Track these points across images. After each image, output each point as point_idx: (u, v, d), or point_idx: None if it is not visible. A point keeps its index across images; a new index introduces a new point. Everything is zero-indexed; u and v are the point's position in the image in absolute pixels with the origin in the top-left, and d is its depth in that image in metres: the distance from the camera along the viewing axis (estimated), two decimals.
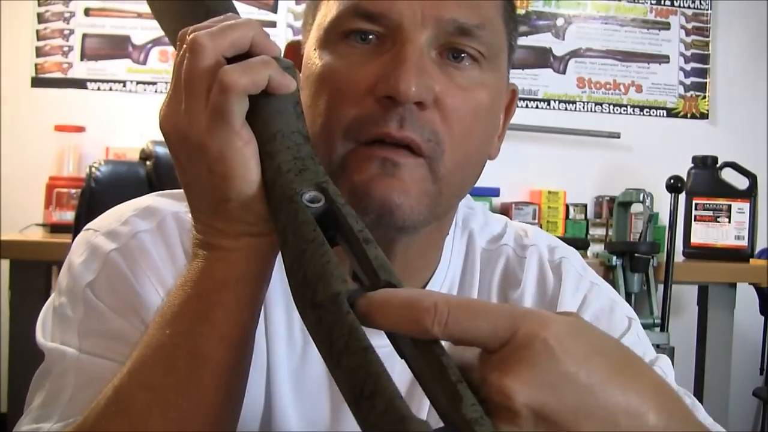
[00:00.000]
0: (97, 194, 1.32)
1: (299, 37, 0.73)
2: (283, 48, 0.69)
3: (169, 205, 0.72)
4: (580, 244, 2.56)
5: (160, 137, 0.57)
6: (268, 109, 0.55)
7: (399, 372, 0.43)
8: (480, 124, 0.66)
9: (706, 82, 3.00)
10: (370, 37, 0.64)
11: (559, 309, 0.73)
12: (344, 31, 0.64)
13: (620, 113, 2.94)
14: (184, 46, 0.54)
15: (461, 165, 0.65)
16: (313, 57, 0.66)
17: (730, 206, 2.51)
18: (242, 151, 0.53)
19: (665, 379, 0.45)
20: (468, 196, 0.76)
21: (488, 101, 0.66)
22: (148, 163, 1.43)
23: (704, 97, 2.99)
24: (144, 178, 1.40)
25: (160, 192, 0.76)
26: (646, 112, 2.96)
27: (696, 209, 2.52)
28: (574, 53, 2.92)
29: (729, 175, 2.54)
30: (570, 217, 2.72)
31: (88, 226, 0.74)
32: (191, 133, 0.53)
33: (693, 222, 2.52)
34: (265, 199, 0.54)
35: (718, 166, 2.53)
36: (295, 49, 0.72)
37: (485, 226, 0.81)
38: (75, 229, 1.31)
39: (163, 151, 1.40)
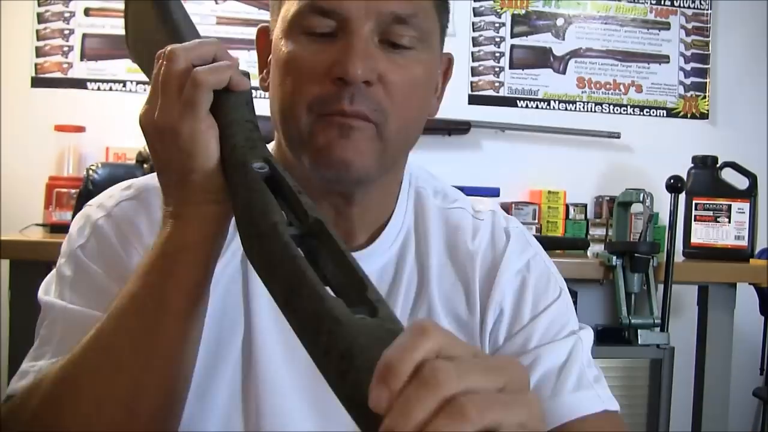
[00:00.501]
0: (94, 196, 1.31)
1: (268, 23, 0.87)
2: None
3: (152, 179, 0.84)
4: (580, 244, 2.56)
5: None
6: (228, 102, 0.69)
7: None
8: (417, 94, 0.81)
9: (706, 82, 3.00)
10: (325, 29, 0.77)
11: (504, 264, 0.89)
12: (303, 25, 0.78)
13: (620, 113, 2.93)
14: (161, 60, 0.69)
15: (403, 127, 0.80)
16: (280, 44, 0.81)
17: (730, 206, 2.51)
18: (206, 134, 0.68)
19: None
20: (435, 175, 0.96)
21: (423, 74, 0.81)
22: (145, 165, 1.43)
23: (704, 97, 2.99)
24: None
25: (148, 175, 0.89)
26: (646, 112, 2.95)
27: (696, 209, 2.52)
28: (574, 53, 2.92)
29: (729, 175, 2.54)
30: (570, 217, 2.72)
31: (88, 202, 0.90)
32: (165, 123, 0.68)
33: (693, 222, 2.52)
34: (223, 173, 0.68)
35: (718, 166, 2.53)
36: (265, 33, 0.87)
37: (441, 190, 0.95)
38: None
39: None
